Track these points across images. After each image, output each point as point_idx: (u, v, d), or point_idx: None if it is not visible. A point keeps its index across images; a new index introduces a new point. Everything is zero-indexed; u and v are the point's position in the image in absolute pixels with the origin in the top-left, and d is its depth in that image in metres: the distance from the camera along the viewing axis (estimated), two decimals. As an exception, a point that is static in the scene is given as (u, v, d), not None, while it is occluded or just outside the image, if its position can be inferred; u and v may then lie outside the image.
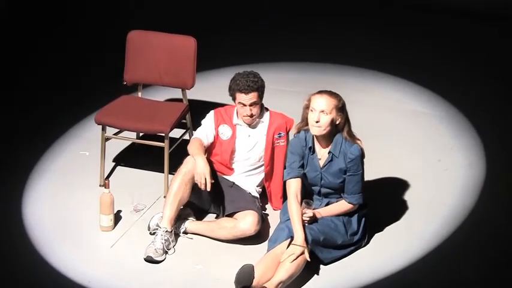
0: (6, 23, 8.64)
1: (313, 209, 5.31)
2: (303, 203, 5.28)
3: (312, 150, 5.36)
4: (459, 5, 8.82)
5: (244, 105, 5.54)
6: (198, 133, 5.70)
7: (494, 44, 8.31)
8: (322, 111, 5.18)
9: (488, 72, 7.74)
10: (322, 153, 5.36)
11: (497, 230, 5.70)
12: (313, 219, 5.29)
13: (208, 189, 5.42)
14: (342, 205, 5.39)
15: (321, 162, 5.35)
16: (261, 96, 5.59)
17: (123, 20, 8.47)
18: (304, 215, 5.24)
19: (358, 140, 5.32)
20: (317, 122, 5.19)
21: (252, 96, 5.53)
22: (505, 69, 7.81)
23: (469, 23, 8.63)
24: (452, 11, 8.81)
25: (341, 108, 5.23)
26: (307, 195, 5.46)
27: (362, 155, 5.29)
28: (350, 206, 5.37)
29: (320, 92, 5.25)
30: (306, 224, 5.24)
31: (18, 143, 6.57)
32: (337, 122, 5.24)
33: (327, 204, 5.42)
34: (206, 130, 5.69)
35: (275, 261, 5.14)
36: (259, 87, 5.55)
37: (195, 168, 5.43)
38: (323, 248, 5.27)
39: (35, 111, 7.02)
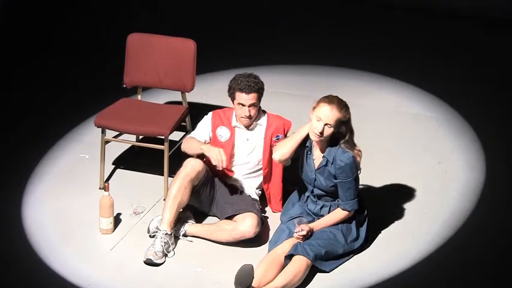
0: (5, 23, 8.65)
1: (308, 224, 5.30)
2: (296, 221, 5.28)
3: (310, 150, 5.36)
4: (459, 8, 8.84)
5: (244, 105, 5.54)
6: (192, 134, 5.70)
7: (494, 45, 8.32)
8: (327, 124, 5.16)
9: (488, 75, 7.74)
10: (317, 155, 5.36)
11: (498, 231, 5.69)
12: (310, 234, 5.28)
13: (225, 165, 5.40)
14: (337, 214, 5.37)
15: (316, 163, 5.35)
16: (259, 98, 5.59)
17: (124, 22, 8.48)
18: (298, 233, 5.23)
19: (359, 150, 5.30)
20: (320, 132, 5.18)
21: (252, 97, 5.53)
22: (504, 71, 7.81)
23: (469, 25, 8.64)
24: (451, 14, 8.82)
25: (346, 122, 5.20)
26: (304, 197, 5.49)
27: (352, 164, 5.23)
28: (345, 213, 5.35)
29: (330, 101, 5.17)
30: (305, 241, 5.24)
31: (18, 146, 6.56)
32: (337, 131, 5.22)
33: (322, 207, 5.42)
34: (201, 131, 5.69)
35: (275, 262, 5.14)
36: (259, 89, 5.56)
37: (209, 151, 5.40)
38: (326, 262, 5.26)
39: (34, 113, 7.02)
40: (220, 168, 5.43)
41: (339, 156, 5.25)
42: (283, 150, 5.34)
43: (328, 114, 5.15)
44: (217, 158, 5.37)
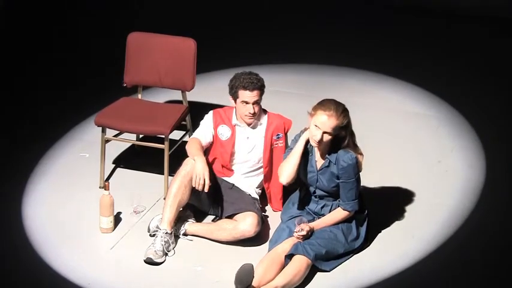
0: (5, 23, 8.64)
1: (308, 223, 5.30)
2: (296, 221, 5.27)
3: (311, 151, 5.36)
4: (459, 8, 8.85)
5: (248, 102, 5.54)
6: (196, 133, 5.70)
7: (494, 45, 8.32)
8: (326, 132, 5.14)
9: (488, 73, 7.75)
10: (319, 156, 5.35)
11: (498, 231, 5.69)
12: (311, 234, 5.28)
13: (206, 190, 5.40)
14: (337, 213, 5.37)
15: (318, 165, 5.35)
16: (261, 95, 5.59)
17: (124, 21, 8.48)
18: (299, 232, 5.22)
19: (360, 154, 5.29)
20: (319, 140, 5.16)
21: (255, 94, 5.53)
22: (504, 70, 7.81)
23: (469, 25, 8.64)
24: (451, 14, 8.82)
25: (345, 127, 5.18)
26: (305, 197, 5.49)
27: (354, 165, 5.23)
28: (345, 213, 5.35)
29: (327, 108, 5.12)
30: (305, 240, 5.24)
31: (18, 145, 6.56)
32: (337, 135, 5.21)
33: (323, 207, 5.42)
34: (204, 130, 5.69)
35: (276, 261, 5.14)
36: (261, 86, 5.57)
37: (194, 168, 5.41)
38: (326, 262, 5.26)
39: (34, 113, 7.02)
40: (200, 189, 5.40)
41: (342, 156, 5.24)
42: (287, 173, 5.30)
43: (326, 122, 5.12)
44: (199, 181, 5.35)
